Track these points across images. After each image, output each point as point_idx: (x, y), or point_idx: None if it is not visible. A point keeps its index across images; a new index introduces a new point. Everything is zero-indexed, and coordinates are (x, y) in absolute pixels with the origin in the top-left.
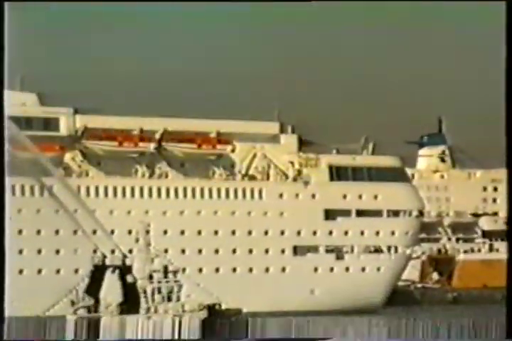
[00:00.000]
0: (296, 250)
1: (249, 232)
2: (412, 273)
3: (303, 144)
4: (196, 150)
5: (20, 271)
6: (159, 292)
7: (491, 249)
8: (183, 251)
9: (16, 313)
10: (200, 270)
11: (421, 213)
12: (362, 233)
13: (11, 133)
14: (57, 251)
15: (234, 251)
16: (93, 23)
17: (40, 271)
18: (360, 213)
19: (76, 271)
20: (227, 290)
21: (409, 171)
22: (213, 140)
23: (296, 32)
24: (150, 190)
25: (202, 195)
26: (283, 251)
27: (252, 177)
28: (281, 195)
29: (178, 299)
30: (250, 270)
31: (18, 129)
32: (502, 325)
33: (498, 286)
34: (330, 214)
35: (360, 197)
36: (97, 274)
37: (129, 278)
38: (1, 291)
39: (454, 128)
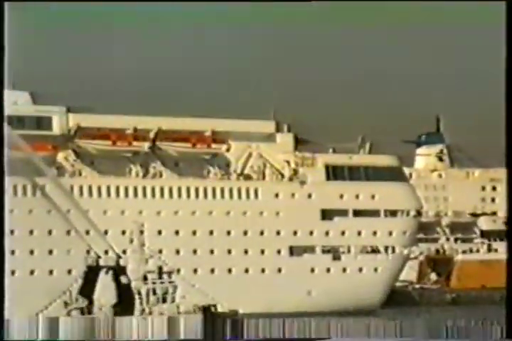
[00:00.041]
0: (292, 250)
1: (245, 232)
2: (409, 273)
3: (299, 143)
4: (191, 150)
5: (13, 272)
6: (154, 293)
7: (489, 249)
8: (178, 252)
9: (7, 315)
10: (195, 270)
11: (419, 213)
12: (359, 233)
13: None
14: (50, 252)
15: (229, 251)
16: (91, 23)
17: (32, 272)
18: (357, 213)
19: (69, 271)
20: (222, 291)
21: (406, 170)
22: (208, 139)
23: (296, 32)
24: (144, 189)
25: (197, 195)
26: (279, 252)
27: (248, 177)
28: (277, 195)
29: (173, 300)
30: (246, 270)
31: (10, 128)
32: (502, 326)
33: (497, 287)
34: (326, 214)
35: (357, 196)
36: (91, 275)
37: (123, 279)
38: (0, 292)
39: (452, 126)
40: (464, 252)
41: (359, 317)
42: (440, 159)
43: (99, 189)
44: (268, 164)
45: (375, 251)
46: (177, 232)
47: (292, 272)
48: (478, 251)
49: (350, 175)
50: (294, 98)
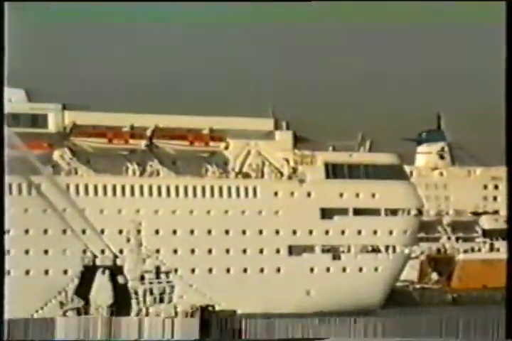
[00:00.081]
0: (291, 250)
1: (243, 232)
2: (410, 273)
3: (298, 141)
4: (188, 148)
5: (8, 272)
6: (151, 293)
7: (491, 248)
8: (175, 251)
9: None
10: (193, 270)
11: (420, 212)
12: (359, 232)
13: None
14: (46, 252)
15: (227, 251)
16: (91, 21)
17: (28, 272)
18: (357, 212)
19: (65, 271)
20: (220, 291)
21: (407, 168)
22: (206, 137)
23: (296, 31)
24: (141, 188)
25: (194, 194)
26: (278, 251)
27: (246, 175)
28: (276, 193)
29: (171, 300)
30: (244, 270)
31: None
32: (502, 326)
33: (498, 287)
34: (326, 213)
35: (357, 195)
36: (87, 275)
37: (120, 279)
38: (0, 292)
39: (454, 124)
40: (465, 251)
41: (359, 317)
42: (441, 157)
43: (95, 187)
44: (267, 162)
45: (375, 250)
46: (175, 232)
47: (291, 272)
48: (479, 250)
49: (350, 174)
50: (293, 95)
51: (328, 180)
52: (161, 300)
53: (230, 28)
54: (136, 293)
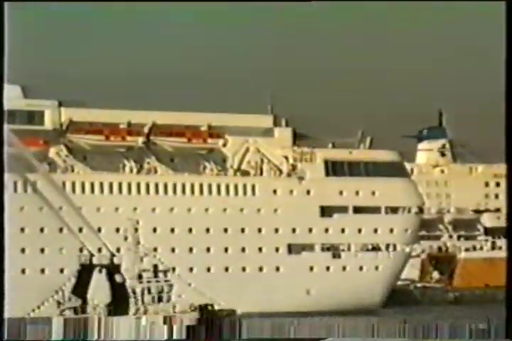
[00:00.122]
0: (290, 248)
1: (242, 230)
2: (411, 272)
3: (297, 138)
4: (186, 145)
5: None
6: (149, 292)
7: (493, 246)
8: (173, 250)
9: None
10: (191, 269)
11: (420, 210)
12: (359, 230)
13: None
14: (42, 250)
15: (226, 249)
16: (89, 20)
17: (23, 271)
18: (358, 210)
19: (62, 270)
20: (219, 290)
21: (408, 166)
22: (204, 133)
23: (296, 30)
24: (138, 186)
25: (192, 191)
26: (277, 250)
27: (245, 173)
28: (275, 191)
29: (169, 299)
30: (243, 269)
31: None
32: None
33: (500, 285)
34: (326, 211)
35: (357, 193)
36: (84, 274)
37: (118, 278)
38: (0, 292)
39: (455, 121)
40: (467, 250)
41: (359, 316)
42: (442, 154)
43: (92, 185)
44: (266, 159)
45: (375, 248)
46: (172, 230)
47: (291, 270)
48: (481, 248)
49: (350, 171)
50: (292, 92)
51: (327, 177)
52: (160, 300)
53: (230, 26)
54: (134, 292)
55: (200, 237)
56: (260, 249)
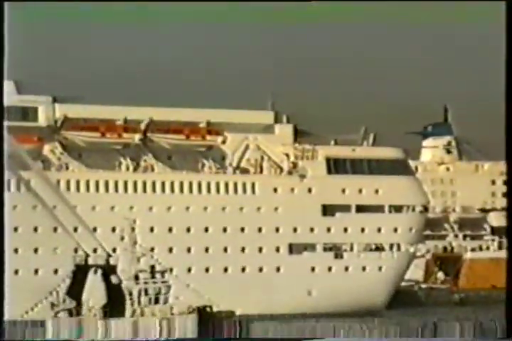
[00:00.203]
0: (291, 248)
1: (242, 229)
2: (415, 272)
3: (299, 135)
4: (184, 142)
5: None
6: (146, 293)
7: (500, 246)
8: (171, 250)
9: None
10: (189, 270)
11: (425, 208)
12: (362, 230)
13: None
14: (36, 250)
15: (225, 249)
16: (88, 17)
17: (16, 272)
18: (360, 208)
19: (56, 271)
20: (218, 292)
21: (412, 163)
22: (203, 130)
23: (295, 28)
24: (135, 184)
25: (190, 190)
26: (278, 250)
27: (245, 171)
28: (275, 190)
29: (166, 301)
30: (243, 269)
31: None
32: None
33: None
34: (328, 210)
35: (360, 191)
36: (79, 274)
37: (114, 279)
38: (0, 292)
39: (461, 117)
40: (473, 250)
41: (362, 318)
42: (448, 151)
43: (87, 183)
44: (266, 157)
45: (379, 248)
46: (170, 229)
47: (292, 271)
48: (488, 248)
49: (352, 169)
50: (293, 87)
51: (329, 175)
52: (157, 301)
53: (229, 23)
54: (130, 293)
55: (198, 237)
56: (260, 249)
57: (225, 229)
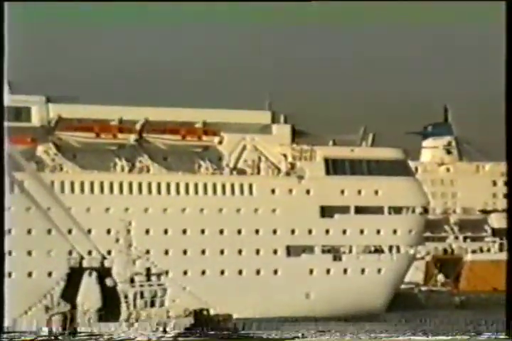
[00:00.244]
0: (289, 250)
1: (239, 231)
2: (415, 275)
3: (297, 135)
4: (180, 142)
5: None
6: (142, 296)
7: (501, 248)
8: (167, 252)
9: None
10: (186, 272)
11: (425, 210)
12: (361, 232)
13: None
14: (29, 253)
15: (222, 251)
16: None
17: (10, 275)
18: (359, 210)
19: (50, 274)
20: (214, 295)
21: (412, 164)
22: (199, 131)
23: (295, 28)
24: (130, 185)
25: (187, 191)
26: (275, 252)
27: (242, 172)
28: (273, 191)
29: (162, 304)
30: (240, 272)
31: None
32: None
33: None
34: (326, 211)
35: (359, 192)
36: (74, 277)
37: (109, 282)
38: (1, 293)
39: (461, 117)
40: (473, 252)
41: (362, 322)
42: (448, 152)
43: (82, 185)
44: (263, 157)
45: (378, 250)
46: (166, 231)
47: (289, 273)
48: (489, 250)
49: (351, 169)
50: (290, 87)
51: (328, 176)
52: (153, 304)
53: (228, 23)
54: (125, 296)
55: (194, 239)
56: (258, 251)
57: (221, 231)
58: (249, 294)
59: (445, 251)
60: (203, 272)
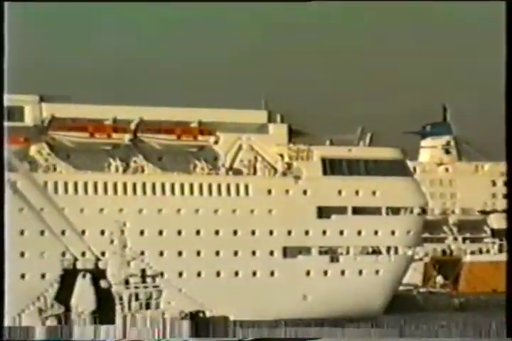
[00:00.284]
0: (286, 252)
1: (235, 232)
2: (414, 276)
3: (293, 135)
4: (175, 142)
5: None
6: (137, 298)
7: (500, 249)
8: (162, 254)
9: None
10: (181, 274)
11: (424, 210)
12: (359, 232)
13: None
14: (22, 254)
15: (217, 253)
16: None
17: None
18: (357, 210)
19: (43, 275)
20: (210, 296)
21: (410, 164)
22: (194, 130)
23: (294, 28)
24: (124, 186)
25: (182, 192)
26: (272, 253)
27: (238, 172)
28: (269, 191)
29: (158, 306)
30: (236, 274)
31: None
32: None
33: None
34: (323, 212)
35: (356, 192)
36: (67, 279)
37: (103, 283)
38: (1, 293)
39: (460, 116)
40: (472, 253)
41: (359, 324)
42: (447, 152)
43: (75, 185)
44: (260, 157)
45: (376, 252)
46: (161, 232)
47: (286, 275)
48: (488, 251)
49: (349, 170)
50: (287, 86)
51: (325, 176)
52: (148, 306)
53: (225, 22)
54: (120, 298)
55: (190, 240)
56: (254, 253)
57: (217, 232)
58: (246, 296)
59: (444, 252)
60: (199, 273)
